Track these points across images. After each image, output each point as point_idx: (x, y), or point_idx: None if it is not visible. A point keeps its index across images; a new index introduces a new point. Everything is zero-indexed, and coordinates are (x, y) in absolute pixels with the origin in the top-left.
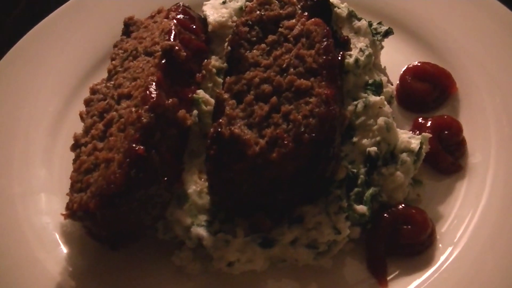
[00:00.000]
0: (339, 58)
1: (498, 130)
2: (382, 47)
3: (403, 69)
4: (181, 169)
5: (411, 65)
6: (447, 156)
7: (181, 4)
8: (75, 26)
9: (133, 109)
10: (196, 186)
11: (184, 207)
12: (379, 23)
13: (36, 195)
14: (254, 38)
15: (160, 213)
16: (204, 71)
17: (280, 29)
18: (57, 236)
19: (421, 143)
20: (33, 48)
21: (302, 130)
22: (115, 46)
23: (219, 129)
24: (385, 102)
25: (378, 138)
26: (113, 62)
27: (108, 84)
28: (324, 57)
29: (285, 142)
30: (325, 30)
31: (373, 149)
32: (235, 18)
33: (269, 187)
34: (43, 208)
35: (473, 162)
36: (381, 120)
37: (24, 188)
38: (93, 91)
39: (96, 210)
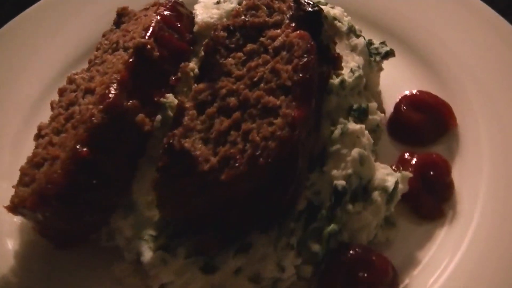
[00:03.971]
0: (325, 76)
1: (490, 179)
2: (381, 69)
3: (401, 96)
4: (131, 176)
5: (408, 93)
6: (428, 199)
7: (174, 0)
8: (69, 11)
9: (90, 107)
10: (147, 196)
11: (129, 217)
12: (382, 43)
13: None
14: (233, 45)
15: (105, 219)
16: (180, 74)
17: (262, 38)
18: (5, 227)
19: (396, 183)
20: (23, 30)
21: (258, 153)
22: (103, 35)
23: (171, 141)
24: (366, 132)
25: (349, 171)
26: (96, 52)
27: (84, 76)
28: (301, 74)
29: (237, 164)
30: (309, 45)
31: (341, 182)
32: (225, 20)
33: (217, 207)
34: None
35: (458, 209)
36: (355, 152)
37: None
38: (70, 81)
39: (33, 209)
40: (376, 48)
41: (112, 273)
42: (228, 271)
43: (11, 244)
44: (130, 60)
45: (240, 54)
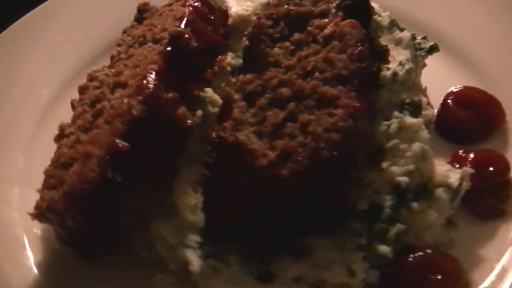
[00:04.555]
0: (374, 69)
1: None
2: (424, 65)
3: (446, 93)
4: (171, 176)
5: (455, 89)
6: (488, 198)
7: None
8: (85, 7)
9: (125, 100)
10: (189, 199)
11: (172, 223)
12: (424, 38)
13: (8, 185)
14: (278, 35)
15: (141, 224)
16: (216, 68)
17: (309, 28)
18: (25, 237)
19: (462, 179)
20: (37, 25)
21: (322, 145)
22: (124, 32)
23: (222, 134)
24: (423, 126)
25: (411, 167)
26: (118, 48)
27: (107, 72)
28: (357, 64)
29: (299, 158)
30: (362, 34)
31: (404, 179)
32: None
33: (273, 208)
34: (13, 202)
35: None
36: (416, 146)
37: None
38: (91, 78)
39: (64, 212)
40: (419, 43)
41: (152, 286)
42: (287, 279)
43: (32, 258)
44: (167, 49)
45: (287, 43)
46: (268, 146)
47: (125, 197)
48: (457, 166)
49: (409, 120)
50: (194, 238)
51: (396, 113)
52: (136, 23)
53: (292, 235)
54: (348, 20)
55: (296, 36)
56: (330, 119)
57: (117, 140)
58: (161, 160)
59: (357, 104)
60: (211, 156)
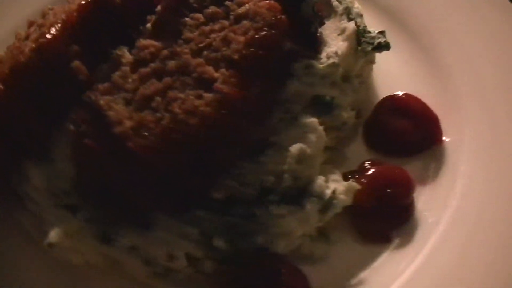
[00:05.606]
0: (293, 56)
1: (456, 214)
2: (372, 62)
3: (383, 97)
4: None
5: (393, 95)
6: (375, 220)
7: None
8: None
9: (28, 43)
10: (64, 149)
11: (42, 167)
12: (381, 32)
13: None
14: (195, 5)
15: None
16: (141, 28)
17: (228, 2)
18: None
19: (333, 193)
20: None
21: (173, 126)
22: None
23: (91, 95)
24: (319, 128)
25: (285, 167)
26: None
27: (55, 12)
28: (252, 49)
29: (146, 133)
30: (274, 18)
31: (270, 178)
32: None
33: (124, 177)
34: None
35: (408, 239)
36: (295, 148)
37: None
38: (42, 14)
39: None
40: (373, 38)
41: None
42: (123, 247)
43: None
44: (83, 2)
45: (199, 15)
46: (129, 115)
47: None
48: (357, 177)
49: (304, 118)
50: (61, 185)
51: (296, 108)
52: None
53: (144, 208)
54: (268, 0)
55: (212, 9)
56: (195, 101)
57: None
58: (46, 108)
59: (231, 91)
60: (78, 113)
